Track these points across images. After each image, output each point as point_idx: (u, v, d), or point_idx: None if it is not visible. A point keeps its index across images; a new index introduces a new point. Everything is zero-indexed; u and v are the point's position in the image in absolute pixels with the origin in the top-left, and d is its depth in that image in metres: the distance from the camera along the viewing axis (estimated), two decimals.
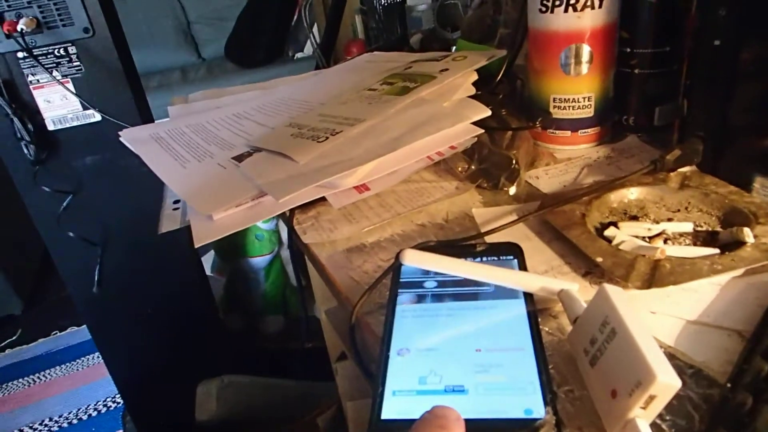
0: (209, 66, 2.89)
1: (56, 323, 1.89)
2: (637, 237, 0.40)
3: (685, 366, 0.29)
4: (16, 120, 0.76)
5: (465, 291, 0.36)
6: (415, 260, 0.35)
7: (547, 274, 0.39)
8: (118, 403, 1.54)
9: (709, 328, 0.32)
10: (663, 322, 0.33)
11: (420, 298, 0.36)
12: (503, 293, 0.35)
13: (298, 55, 2.75)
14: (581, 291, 0.34)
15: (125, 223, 0.92)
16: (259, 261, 1.28)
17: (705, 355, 0.30)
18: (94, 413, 1.54)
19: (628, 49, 0.53)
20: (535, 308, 0.34)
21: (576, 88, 0.53)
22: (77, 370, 1.71)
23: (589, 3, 0.49)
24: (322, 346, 0.93)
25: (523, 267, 0.38)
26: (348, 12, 1.46)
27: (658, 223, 0.41)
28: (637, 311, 0.29)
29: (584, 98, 0.54)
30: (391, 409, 0.28)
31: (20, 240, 1.97)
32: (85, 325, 1.83)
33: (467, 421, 0.27)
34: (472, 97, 0.56)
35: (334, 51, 1.43)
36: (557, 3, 0.50)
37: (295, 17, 2.71)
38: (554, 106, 0.55)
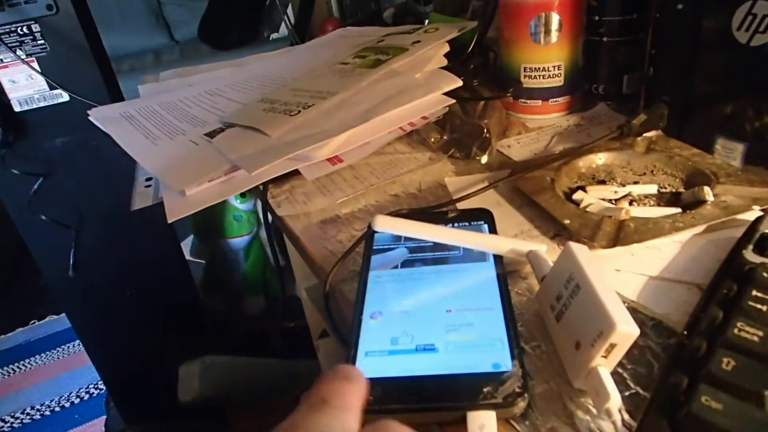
0: (183, 48, 2.83)
1: (34, 312, 1.86)
2: (603, 200, 0.41)
3: (646, 318, 0.31)
4: None
5: (436, 256, 0.37)
6: (386, 226, 0.36)
7: (517, 238, 0.39)
8: (101, 389, 1.54)
9: (671, 283, 0.33)
10: (627, 278, 0.34)
11: (391, 265, 0.37)
12: (473, 257, 0.36)
13: (274, 35, 2.70)
14: (549, 252, 0.35)
15: (99, 205, 0.91)
16: (238, 242, 1.28)
17: (665, 308, 0.31)
18: (77, 400, 1.53)
19: (597, 17, 0.53)
20: (505, 270, 0.34)
21: (546, 57, 0.54)
22: (57, 358, 1.69)
23: None
24: (303, 325, 0.94)
25: (493, 231, 0.38)
26: None
27: (624, 186, 0.42)
28: (601, 267, 0.30)
29: (554, 67, 0.54)
30: (363, 369, 0.29)
31: None
32: (63, 314, 1.81)
33: (438, 377, 0.28)
34: (443, 68, 0.56)
35: (309, 30, 1.42)
36: None
37: None
38: (525, 76, 0.56)
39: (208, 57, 2.62)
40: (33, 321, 1.85)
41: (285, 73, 0.68)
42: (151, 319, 1.08)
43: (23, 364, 1.68)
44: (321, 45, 0.79)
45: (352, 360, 0.30)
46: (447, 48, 0.59)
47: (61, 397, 1.54)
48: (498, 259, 0.35)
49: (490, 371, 0.28)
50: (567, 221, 0.38)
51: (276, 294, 1.32)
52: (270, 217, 0.50)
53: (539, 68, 0.55)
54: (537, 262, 0.34)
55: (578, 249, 0.31)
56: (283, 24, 2.74)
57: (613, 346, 0.26)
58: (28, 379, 1.62)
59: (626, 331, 0.25)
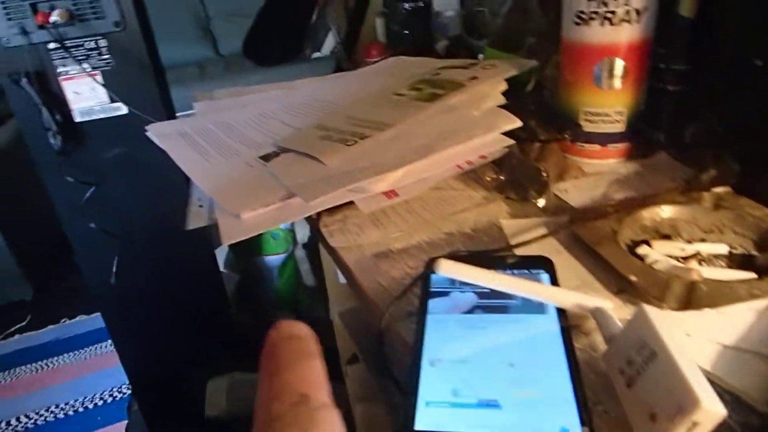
0: (227, 62, 2.90)
1: (65, 311, 1.90)
2: (670, 257, 0.39)
3: (723, 392, 0.29)
4: (44, 110, 0.77)
5: (494, 303, 0.36)
6: (449, 270, 0.35)
7: (578, 291, 0.38)
8: (124, 393, 1.55)
9: (747, 354, 0.31)
10: (699, 345, 0.32)
11: (450, 309, 0.36)
12: (532, 307, 0.35)
13: (315, 54, 2.75)
14: (614, 309, 0.34)
15: (145, 217, 0.93)
16: (274, 259, 1.28)
17: (743, 382, 0.30)
18: (100, 402, 1.54)
19: (663, 65, 0.52)
20: (569, 324, 0.33)
21: (608, 102, 0.53)
22: (84, 358, 1.72)
23: (625, 17, 0.49)
24: (331, 348, 0.93)
25: (554, 281, 0.37)
26: (369, 14, 1.46)
27: (691, 243, 0.41)
28: (677, 334, 0.29)
29: (616, 113, 0.53)
30: (424, 420, 0.28)
31: (35, 227, 1.98)
32: (93, 315, 1.84)
33: None
34: (501, 106, 0.56)
35: (354, 52, 1.44)
36: (593, 16, 0.50)
37: (314, 17, 2.71)
38: (585, 119, 0.55)
39: (251, 71, 2.68)
40: (64, 320, 1.89)
41: (338, 99, 0.69)
42: (183, 329, 1.09)
43: (52, 362, 1.71)
44: (374, 73, 0.80)
45: (412, 408, 0.29)
46: (505, 86, 0.59)
47: (85, 398, 1.56)
48: (561, 312, 0.34)
49: None
50: (633, 278, 0.36)
51: (306, 314, 1.32)
52: (306, 238, 0.50)
53: (600, 113, 0.54)
54: (604, 321, 0.33)
55: (653, 313, 0.30)
56: (325, 44, 2.79)
57: (695, 424, 0.24)
58: (55, 377, 1.65)
59: (712, 411, 0.24)
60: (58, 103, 0.80)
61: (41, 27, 0.74)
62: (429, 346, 0.33)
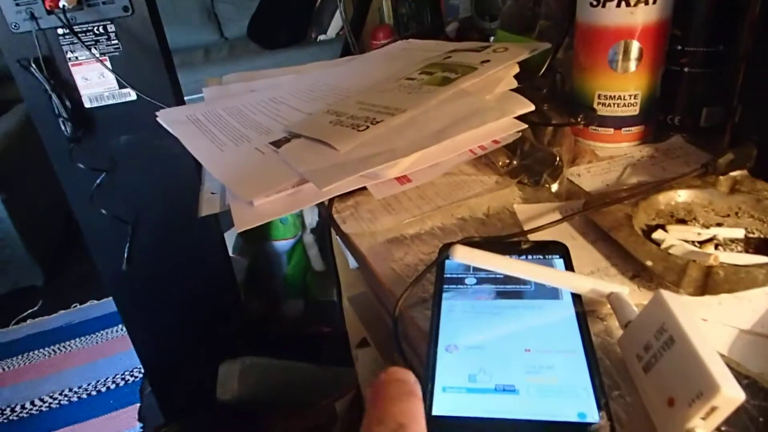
0: (232, 46, 2.88)
1: (77, 296, 1.92)
2: (686, 241, 0.39)
3: (740, 376, 0.29)
4: (54, 96, 0.77)
5: (508, 289, 0.36)
6: (464, 256, 0.35)
7: (593, 276, 0.38)
8: (136, 377, 1.57)
9: (764, 339, 0.31)
10: (715, 330, 0.32)
11: (465, 295, 0.36)
12: (546, 292, 0.35)
13: (321, 37, 2.73)
14: (630, 294, 0.34)
15: (156, 203, 0.93)
16: (283, 244, 1.29)
17: (760, 366, 0.30)
18: (113, 386, 1.57)
19: (679, 47, 0.51)
20: (584, 310, 0.33)
21: (623, 85, 0.52)
22: (96, 343, 1.74)
23: None
24: (340, 332, 0.94)
25: (569, 267, 0.37)
26: None
27: (707, 227, 0.41)
28: (694, 319, 0.29)
29: (630, 96, 0.53)
30: (442, 406, 0.28)
31: (44, 213, 2.00)
32: (104, 299, 1.86)
33: (521, 422, 0.27)
34: (514, 90, 0.55)
35: (361, 35, 1.42)
36: None
37: (319, 0, 2.68)
38: (599, 103, 0.54)
39: (257, 55, 2.67)
40: (75, 304, 1.91)
41: (348, 83, 0.68)
42: (193, 314, 1.10)
43: (64, 346, 1.74)
44: (383, 56, 0.79)
45: (429, 394, 0.29)
46: (517, 69, 0.58)
47: (98, 382, 1.58)
48: (576, 297, 0.34)
49: (575, 421, 0.27)
50: (649, 263, 0.36)
51: (315, 298, 1.33)
52: (315, 222, 0.50)
53: (615, 96, 0.53)
54: (620, 306, 0.33)
55: (671, 298, 0.29)
56: (331, 26, 2.76)
57: (714, 408, 0.24)
58: (68, 362, 1.67)
59: (731, 396, 0.24)
60: (67, 89, 0.80)
61: (50, 12, 0.73)
62: (445, 332, 0.33)
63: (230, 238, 1.40)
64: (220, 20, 2.99)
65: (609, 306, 0.34)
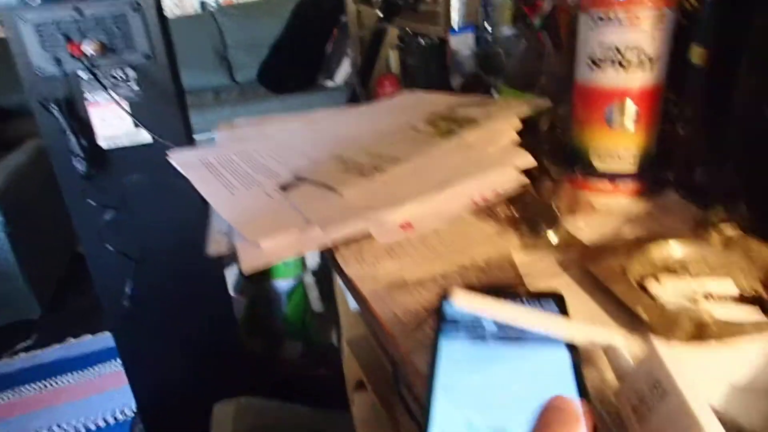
0: (242, 89, 2.96)
1: (73, 330, 1.91)
2: (680, 294, 0.40)
3: (733, 431, 0.30)
4: (71, 136, 0.80)
5: (507, 335, 0.37)
6: (464, 302, 0.36)
7: (592, 327, 0.39)
8: (128, 415, 1.55)
9: (757, 394, 0.32)
10: (708, 383, 0.33)
11: (464, 340, 0.37)
12: (545, 339, 0.36)
13: (329, 84, 2.81)
14: (625, 346, 0.35)
15: (161, 242, 0.94)
16: (283, 284, 1.29)
17: (753, 422, 0.30)
18: (103, 424, 1.54)
19: (675, 109, 0.54)
20: (580, 359, 0.34)
21: (619, 142, 0.55)
22: (89, 378, 1.72)
23: (638, 64, 0.51)
24: (338, 374, 0.93)
25: (565, 316, 0.38)
26: (384, 47, 1.50)
27: (700, 282, 0.42)
28: (688, 372, 0.30)
29: (627, 152, 0.55)
30: None
31: (50, 248, 2.01)
32: (99, 334, 1.85)
33: None
34: (516, 144, 0.58)
35: (368, 83, 1.47)
36: (607, 61, 0.52)
37: (330, 48, 2.77)
38: (596, 158, 0.56)
39: (266, 98, 2.74)
40: (69, 339, 1.89)
41: (356, 132, 0.71)
42: (192, 353, 1.09)
43: (56, 381, 1.71)
44: (391, 107, 0.82)
45: None
46: (519, 124, 0.60)
47: (88, 418, 1.55)
48: (572, 346, 0.35)
49: None
50: (645, 315, 0.37)
51: (314, 340, 1.32)
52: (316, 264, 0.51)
53: (612, 152, 0.55)
54: (616, 358, 0.34)
55: (664, 350, 0.30)
56: (339, 73, 2.85)
57: None
58: (59, 397, 1.65)
59: None
60: (84, 129, 0.83)
61: (74, 57, 0.77)
62: (442, 376, 0.34)
63: (230, 276, 1.41)
64: (232, 64, 3.08)
65: (605, 356, 0.35)
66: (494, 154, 0.55)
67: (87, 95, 0.82)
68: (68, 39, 0.76)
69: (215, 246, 0.53)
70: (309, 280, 1.33)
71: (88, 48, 0.75)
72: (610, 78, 0.52)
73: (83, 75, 0.80)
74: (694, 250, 0.45)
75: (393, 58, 1.56)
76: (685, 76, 0.52)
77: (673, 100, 0.53)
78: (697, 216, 0.46)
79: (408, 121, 0.69)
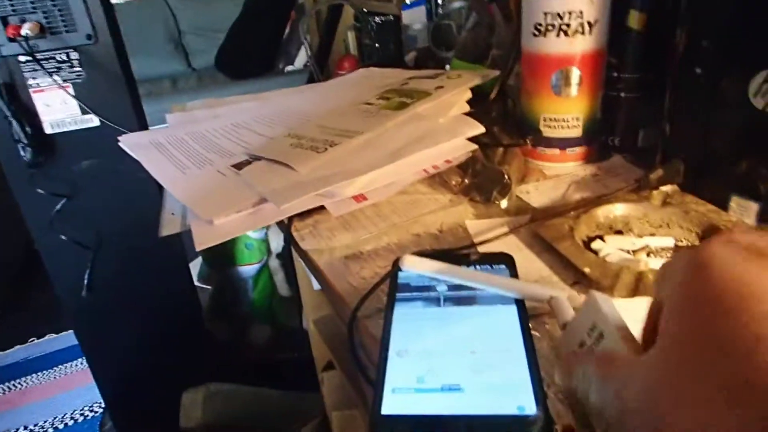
0: (199, 76, 2.90)
1: (34, 330, 1.86)
2: (622, 250, 0.42)
3: None
4: (14, 122, 0.77)
5: (459, 296, 0.38)
6: (413, 266, 0.37)
7: (537, 284, 0.41)
8: (96, 412, 1.52)
9: None
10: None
11: (417, 303, 0.38)
12: (495, 299, 0.37)
13: (288, 68, 2.78)
14: (570, 299, 0.36)
15: (118, 229, 0.92)
16: (248, 270, 1.29)
17: None
18: (71, 422, 1.51)
19: (616, 74, 0.55)
20: (527, 314, 0.36)
21: (565, 108, 0.56)
22: (54, 378, 1.68)
23: (579, 29, 0.52)
24: (307, 357, 0.94)
25: (515, 276, 0.39)
26: (341, 28, 1.49)
27: (641, 237, 0.44)
28: (624, 317, 0.31)
29: (573, 118, 0.56)
30: (390, 405, 0.30)
31: (1, 243, 1.94)
32: (63, 333, 1.81)
33: (464, 417, 0.29)
34: (466, 114, 0.59)
35: (327, 65, 1.46)
36: (549, 28, 0.53)
37: (287, 31, 2.73)
38: (544, 125, 0.58)
39: (224, 85, 2.69)
40: (32, 339, 1.84)
41: (310, 109, 0.71)
42: (157, 342, 1.08)
43: (20, 383, 1.67)
44: (345, 84, 0.82)
45: (378, 396, 0.30)
46: (470, 95, 0.61)
47: (55, 418, 1.52)
48: (520, 303, 0.37)
49: (515, 414, 0.28)
50: (587, 269, 0.39)
51: (281, 324, 1.32)
52: (280, 247, 0.51)
53: (559, 119, 0.57)
54: (559, 309, 0.35)
55: (602, 298, 0.32)
56: (298, 57, 2.81)
57: None
58: (24, 398, 1.61)
59: None
60: (28, 115, 0.80)
61: (12, 40, 0.74)
62: (396, 339, 0.35)
63: (195, 267, 1.39)
64: (188, 51, 3.01)
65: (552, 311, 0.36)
66: (445, 124, 0.56)
67: (30, 80, 0.79)
68: (5, 21, 0.73)
69: (168, 226, 0.53)
70: (274, 264, 1.33)
71: (26, 29, 0.72)
72: (553, 44, 0.53)
73: (23, 58, 0.77)
74: (636, 209, 0.47)
75: (350, 38, 1.55)
76: (624, 41, 0.54)
77: (615, 65, 0.55)
78: (639, 176, 0.47)
79: (360, 96, 0.69)
